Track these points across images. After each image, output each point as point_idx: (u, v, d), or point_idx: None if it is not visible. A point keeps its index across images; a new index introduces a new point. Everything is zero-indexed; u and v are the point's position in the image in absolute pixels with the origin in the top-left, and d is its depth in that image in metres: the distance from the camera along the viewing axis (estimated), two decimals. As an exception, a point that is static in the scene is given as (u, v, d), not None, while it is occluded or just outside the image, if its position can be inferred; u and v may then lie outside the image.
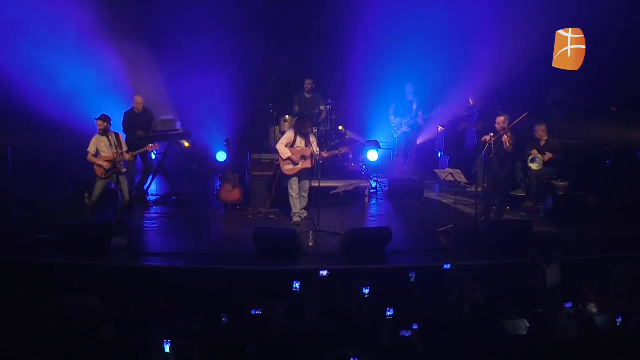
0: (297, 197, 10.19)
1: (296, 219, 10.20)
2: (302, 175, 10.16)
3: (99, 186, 9.67)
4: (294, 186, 10.15)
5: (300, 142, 10.12)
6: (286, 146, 10.07)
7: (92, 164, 9.63)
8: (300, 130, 10.13)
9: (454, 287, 7.27)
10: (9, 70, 11.64)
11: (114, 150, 9.53)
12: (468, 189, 11.67)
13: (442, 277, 7.65)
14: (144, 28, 12.44)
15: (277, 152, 10.21)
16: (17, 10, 11.82)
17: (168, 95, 12.53)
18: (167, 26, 12.36)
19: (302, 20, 12.94)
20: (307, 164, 10.07)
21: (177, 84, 12.56)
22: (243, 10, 12.55)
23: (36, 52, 11.76)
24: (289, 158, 10.05)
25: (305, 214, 10.37)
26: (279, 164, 10.22)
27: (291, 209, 10.19)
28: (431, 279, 7.85)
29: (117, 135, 9.71)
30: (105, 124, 9.56)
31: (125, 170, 9.64)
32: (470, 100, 12.13)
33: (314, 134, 10.57)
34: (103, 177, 9.61)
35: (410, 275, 7.44)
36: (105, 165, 9.52)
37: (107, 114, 9.67)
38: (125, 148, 9.70)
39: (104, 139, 9.59)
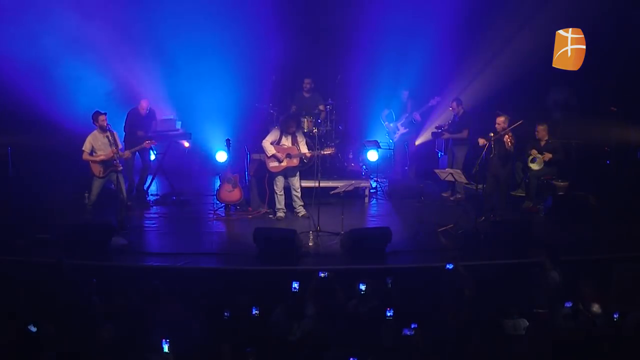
0: (282, 194, 10.33)
1: (280, 214, 10.34)
2: (287, 173, 10.27)
3: (96, 185, 9.69)
4: (278, 184, 10.29)
5: (285, 141, 10.26)
6: (271, 144, 10.18)
7: (88, 164, 9.64)
8: (284, 129, 10.24)
9: (454, 287, 7.27)
10: (9, 70, 11.63)
11: (112, 149, 9.53)
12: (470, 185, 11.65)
13: (442, 277, 7.64)
14: (145, 28, 12.43)
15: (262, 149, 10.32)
16: (17, 10, 11.83)
17: (168, 95, 12.53)
18: (168, 26, 12.35)
19: (302, 20, 12.93)
20: (293, 162, 10.21)
21: (177, 84, 12.56)
22: (243, 10, 12.53)
23: (36, 51, 11.76)
24: (273, 155, 10.16)
25: (303, 212, 10.41)
26: (265, 162, 10.34)
27: (275, 204, 10.36)
28: (431, 279, 7.87)
29: (112, 133, 9.69)
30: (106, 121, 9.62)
31: (121, 168, 9.62)
32: (451, 108, 11.84)
33: (302, 133, 10.63)
34: (100, 175, 9.63)
35: (387, 281, 7.40)
36: (100, 163, 9.53)
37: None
38: (120, 146, 9.70)
39: (101, 136, 9.59)
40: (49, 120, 11.92)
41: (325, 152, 10.49)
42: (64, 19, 11.76)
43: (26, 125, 11.96)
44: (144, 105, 11.15)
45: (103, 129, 9.59)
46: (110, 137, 9.57)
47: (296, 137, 10.30)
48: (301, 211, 10.45)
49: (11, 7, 11.81)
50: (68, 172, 11.53)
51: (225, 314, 6.56)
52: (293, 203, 10.47)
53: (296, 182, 10.38)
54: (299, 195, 10.42)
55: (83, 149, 9.61)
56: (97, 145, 9.60)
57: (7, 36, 11.65)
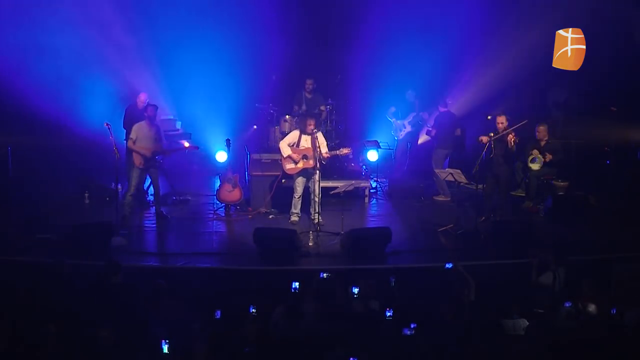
0: (299, 199, 10.10)
1: (294, 217, 10.17)
2: (305, 175, 9.97)
3: (135, 175, 9.78)
4: (298, 188, 10.01)
5: (305, 142, 9.93)
6: (289, 145, 9.97)
7: (123, 154, 9.82)
8: (302, 129, 10.00)
9: (454, 287, 7.27)
10: (9, 69, 11.64)
11: (156, 145, 9.56)
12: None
13: (442, 277, 7.64)
14: (144, 28, 12.44)
15: (279, 150, 10.16)
16: (18, 10, 11.83)
17: (168, 95, 12.52)
18: (168, 26, 12.36)
19: (302, 20, 12.94)
20: (309, 164, 9.86)
21: (177, 84, 12.56)
22: (243, 10, 12.54)
23: (37, 52, 11.77)
24: (289, 156, 9.95)
25: (319, 219, 9.83)
26: (281, 163, 10.19)
27: (290, 208, 10.17)
28: (431, 279, 7.87)
29: (158, 127, 9.69)
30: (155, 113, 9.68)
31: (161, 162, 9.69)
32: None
33: (323, 133, 10.29)
34: (141, 166, 9.71)
35: (391, 279, 7.40)
36: (147, 154, 9.58)
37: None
38: (163, 141, 9.68)
39: (147, 128, 9.63)
40: (49, 120, 11.92)
41: (343, 152, 10.16)
42: (65, 19, 11.77)
43: (26, 125, 11.97)
44: (142, 98, 10.91)
45: (151, 120, 9.60)
46: (155, 132, 9.57)
47: (316, 138, 9.80)
48: (316, 218, 9.76)
49: (12, 7, 11.82)
50: (68, 172, 11.53)
51: (224, 313, 6.55)
52: (310, 208, 10.01)
53: (316, 187, 9.83)
54: (318, 201, 9.78)
55: (130, 136, 9.72)
56: (140, 135, 9.64)
57: (8, 36, 11.66)
